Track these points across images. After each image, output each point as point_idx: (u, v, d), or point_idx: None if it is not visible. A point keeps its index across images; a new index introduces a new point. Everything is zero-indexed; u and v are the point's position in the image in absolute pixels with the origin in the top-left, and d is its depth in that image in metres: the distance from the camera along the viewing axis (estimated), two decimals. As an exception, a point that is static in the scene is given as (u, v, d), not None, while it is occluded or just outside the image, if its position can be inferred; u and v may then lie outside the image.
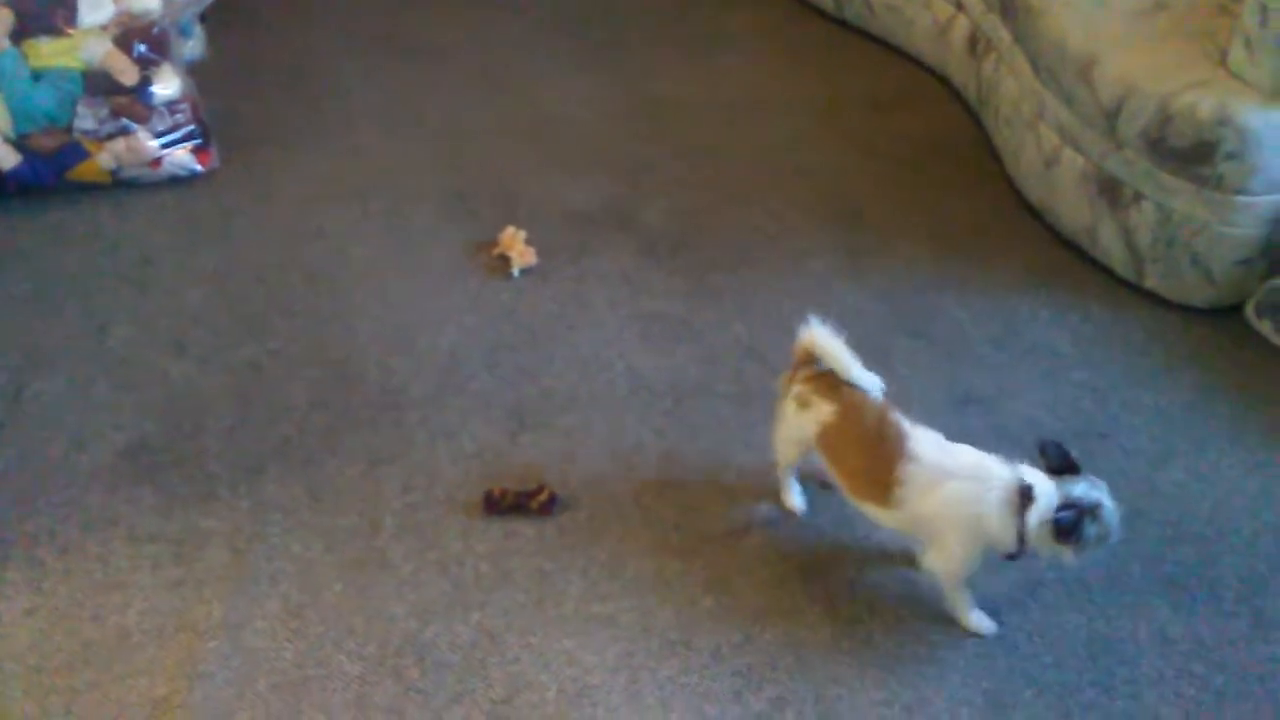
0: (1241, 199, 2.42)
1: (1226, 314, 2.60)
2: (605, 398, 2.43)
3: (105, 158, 2.93)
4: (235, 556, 2.08)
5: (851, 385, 1.99)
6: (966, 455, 1.91)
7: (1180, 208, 2.50)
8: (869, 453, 1.94)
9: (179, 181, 3.04)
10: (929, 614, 1.99)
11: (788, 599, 2.02)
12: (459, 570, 2.05)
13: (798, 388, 2.03)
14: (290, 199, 3.01)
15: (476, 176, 3.10)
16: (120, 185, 3.00)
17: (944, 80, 3.45)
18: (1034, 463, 1.87)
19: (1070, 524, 1.76)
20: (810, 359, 2.03)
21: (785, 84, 3.51)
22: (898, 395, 2.41)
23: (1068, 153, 2.73)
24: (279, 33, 3.76)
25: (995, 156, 3.12)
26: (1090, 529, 1.78)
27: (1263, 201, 2.43)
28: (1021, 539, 1.82)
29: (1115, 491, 2.02)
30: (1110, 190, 2.63)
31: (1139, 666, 1.92)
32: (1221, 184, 2.41)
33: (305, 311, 2.63)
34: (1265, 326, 2.52)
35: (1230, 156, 2.37)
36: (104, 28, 2.86)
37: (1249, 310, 2.56)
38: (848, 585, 2.05)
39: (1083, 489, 1.81)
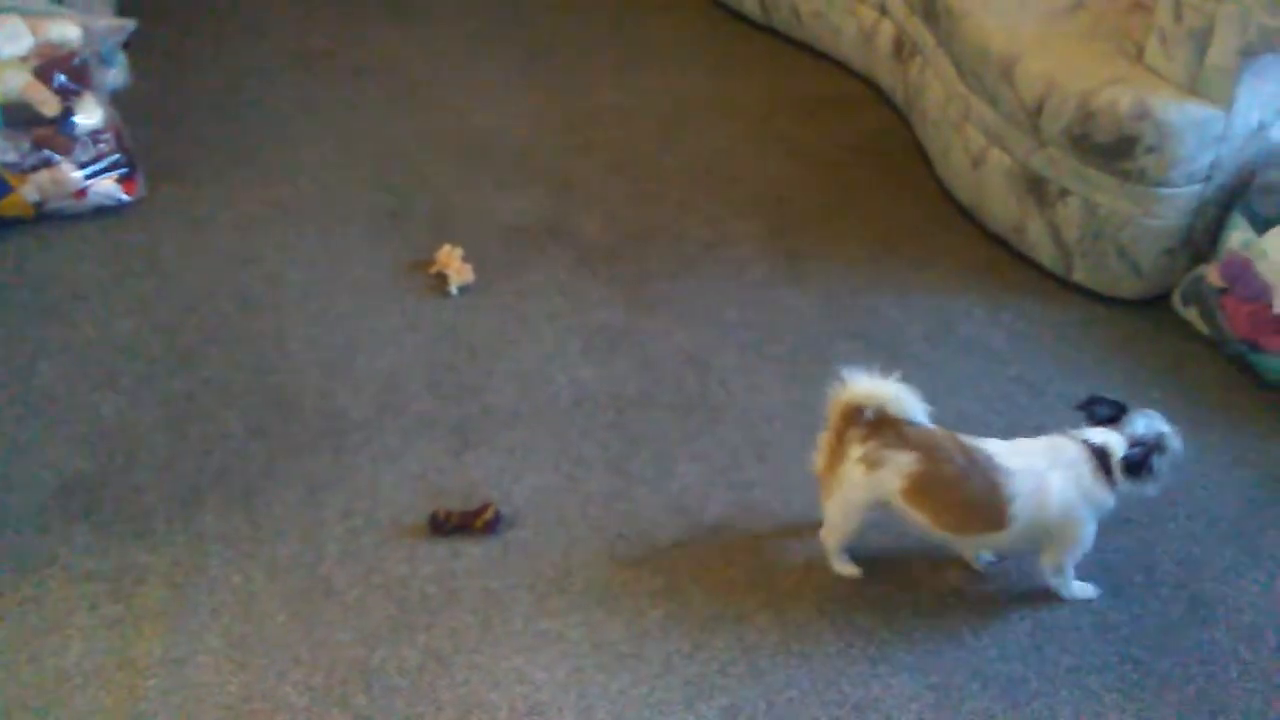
0: (1163, 191, 2.48)
1: (1154, 304, 2.66)
2: (548, 412, 2.42)
3: (28, 190, 2.87)
4: (174, 591, 2.04)
5: (911, 424, 1.91)
6: (1034, 446, 1.95)
7: (1105, 202, 2.55)
8: (969, 486, 1.88)
9: (105, 212, 2.98)
10: (876, 613, 2.01)
11: (736, 605, 2.03)
12: (404, 593, 2.03)
13: (859, 449, 1.91)
14: (221, 224, 2.97)
15: (411, 194, 3.08)
16: (45, 218, 2.94)
17: (872, 85, 3.49)
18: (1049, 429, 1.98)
19: (1140, 459, 1.88)
20: (853, 415, 1.92)
21: (717, 92, 3.54)
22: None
23: (994, 152, 2.77)
24: (205, 56, 3.71)
25: (925, 158, 3.16)
26: (1160, 460, 1.89)
27: (1183, 193, 2.49)
28: (1116, 490, 1.91)
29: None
30: (1036, 187, 2.68)
31: (1082, 654, 1.95)
32: (1143, 177, 2.47)
33: (239, 338, 2.60)
34: (1191, 314, 2.58)
35: (1150, 150, 2.43)
36: (23, 59, 2.81)
37: (1175, 299, 2.62)
38: (794, 588, 2.06)
39: (1143, 425, 1.91)
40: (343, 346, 2.58)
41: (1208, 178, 2.48)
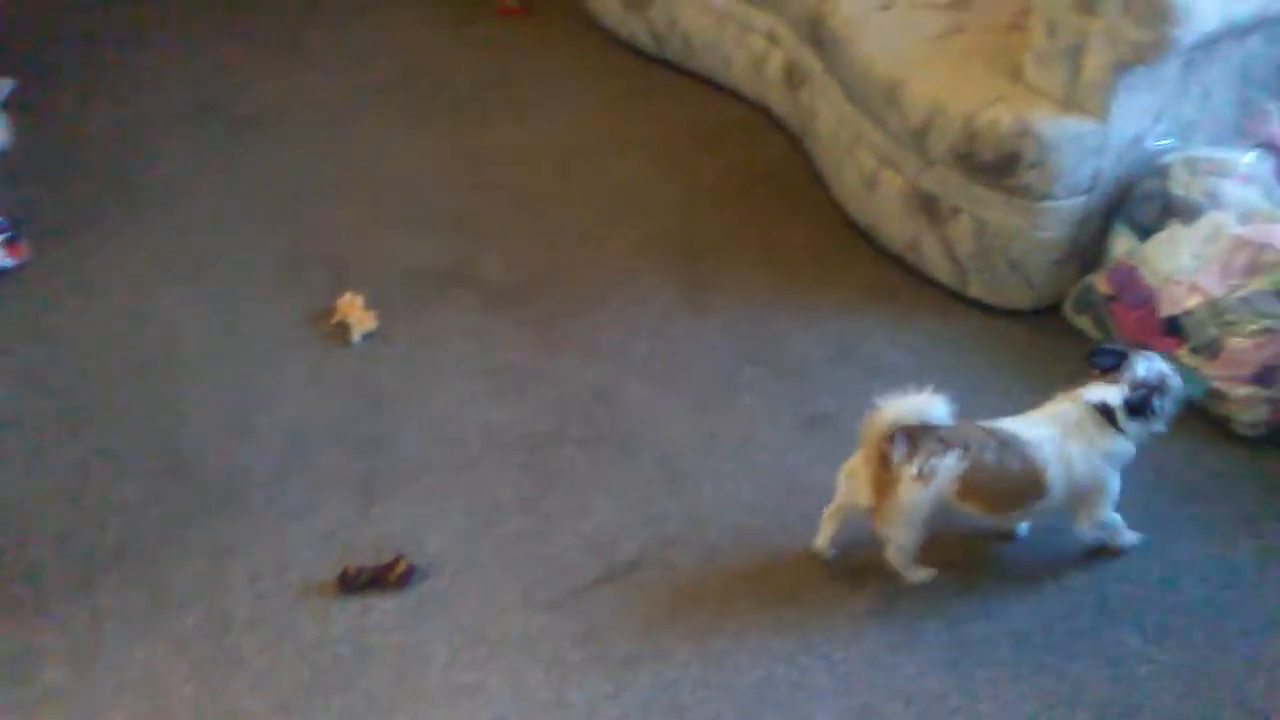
0: (1048, 204, 2.55)
1: (1047, 313, 2.73)
2: (458, 457, 2.39)
3: (-97, 260, 2.76)
4: (75, 671, 1.96)
5: (940, 427, 1.95)
6: (1042, 416, 2.05)
7: (994, 218, 2.61)
8: (1007, 468, 1.98)
9: (-11, 278, 2.89)
10: (794, 638, 2.02)
11: (657, 642, 2.02)
12: (317, 656, 1.98)
13: (910, 468, 1.94)
14: (111, 285, 2.89)
15: (308, 243, 3.03)
16: (-77, 287, 2.83)
17: (766, 112, 3.54)
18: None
19: (1141, 402, 2.00)
20: (890, 435, 1.94)
21: (615, 126, 3.55)
22: (747, 423, 2.47)
23: (886, 173, 2.83)
24: (90, 113, 3.62)
25: (821, 182, 3.21)
26: (1161, 400, 2.02)
27: (1068, 205, 2.56)
28: (1128, 438, 2.02)
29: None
30: (928, 206, 2.73)
31: (998, 666, 1.97)
32: (1029, 192, 2.54)
33: (134, 402, 2.52)
34: (1084, 322, 2.65)
35: (1033, 165, 2.50)
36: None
37: (1067, 308, 2.69)
38: (713, 619, 2.06)
39: (1143, 368, 2.02)
40: (243, 403, 2.52)
41: (1090, 189, 2.56)
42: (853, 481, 2.04)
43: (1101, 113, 2.46)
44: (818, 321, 2.76)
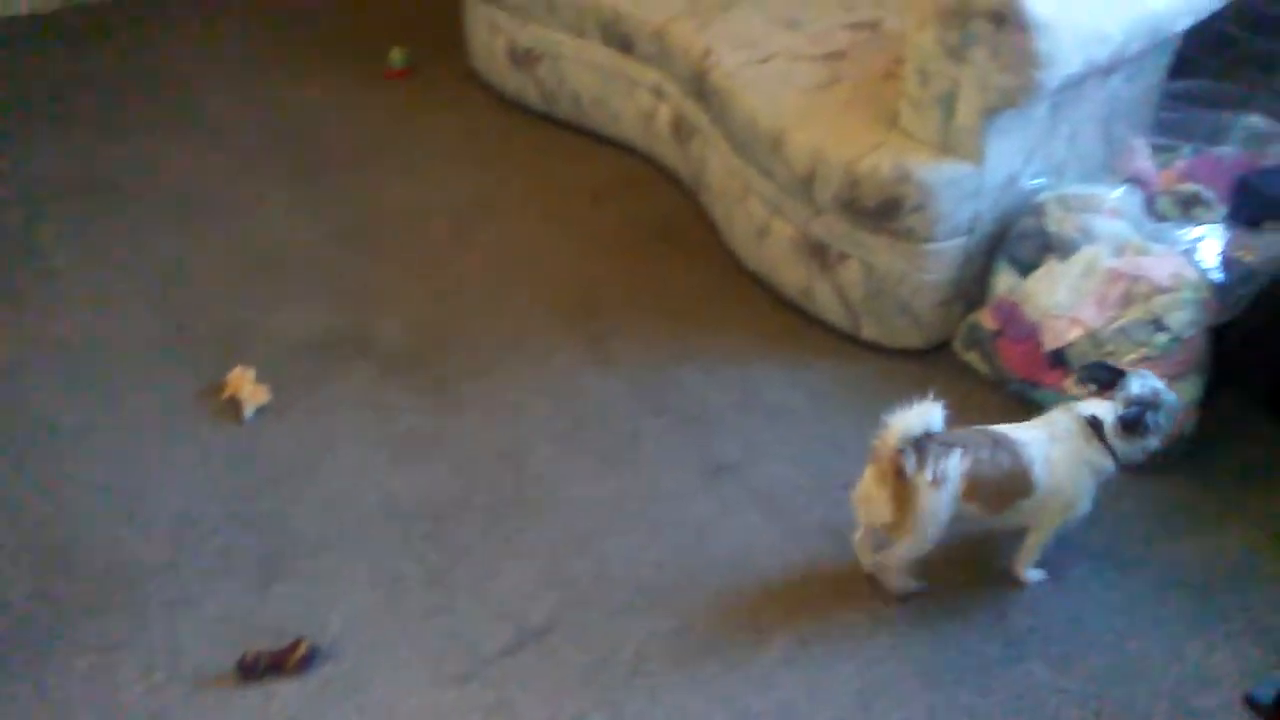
0: (931, 246, 2.62)
1: (938, 351, 2.79)
2: (360, 532, 2.34)
3: None
4: (-47, 787, 1.85)
5: (938, 433, 2.02)
6: (1034, 423, 2.15)
7: (881, 262, 2.67)
8: (999, 464, 2.06)
9: None
10: (705, 694, 2.00)
11: (570, 708, 1.98)
12: (216, 750, 1.90)
13: (925, 475, 1.99)
14: (-14, 372, 2.77)
15: (194, 317, 2.95)
16: None
17: (657, 165, 3.58)
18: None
19: (1135, 419, 2.07)
20: (900, 449, 2.00)
21: (507, 185, 3.55)
22: (653, 477, 2.46)
23: (776, 222, 2.88)
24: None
25: (715, 231, 3.25)
26: (1154, 417, 2.08)
27: (950, 246, 2.63)
28: (1114, 455, 2.10)
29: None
30: (818, 253, 2.78)
31: (911, 706, 1.99)
32: (912, 235, 2.60)
33: (10, 497, 2.40)
34: (972, 358, 2.72)
35: (915, 209, 2.56)
36: None
37: (957, 345, 2.76)
38: (625, 679, 2.03)
39: (1137, 386, 2.10)
40: (129, 489, 2.43)
41: (970, 230, 2.63)
42: (869, 504, 2.09)
43: (976, 156, 2.54)
44: (718, 369, 2.78)
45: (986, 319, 2.65)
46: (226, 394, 2.65)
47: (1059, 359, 2.50)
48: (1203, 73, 3.18)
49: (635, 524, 2.36)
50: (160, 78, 4.14)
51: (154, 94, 4.03)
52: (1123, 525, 2.33)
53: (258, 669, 2.00)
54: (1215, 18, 2.83)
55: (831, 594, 2.19)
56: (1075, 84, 2.58)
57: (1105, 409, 2.10)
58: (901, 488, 2.01)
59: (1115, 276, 2.47)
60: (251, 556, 2.27)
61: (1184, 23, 2.69)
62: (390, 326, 2.94)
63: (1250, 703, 1.23)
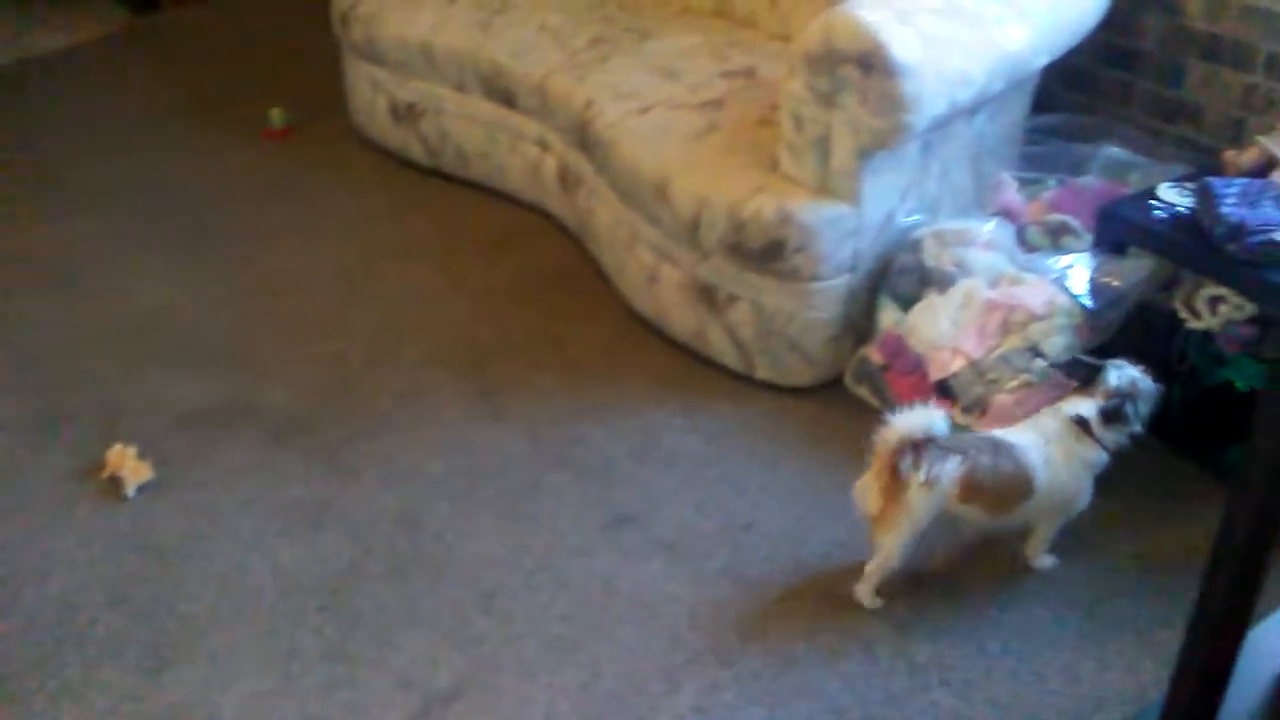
0: (816, 285, 2.67)
1: (830, 387, 2.83)
2: (252, 608, 2.26)
3: None
4: None
5: (940, 437, 2.10)
6: (1024, 427, 2.24)
7: (769, 302, 2.71)
8: (1000, 468, 2.14)
9: None
10: (621, 750, 1.98)
11: (479, 776, 1.94)
12: None
13: (918, 475, 2.08)
14: None
15: (69, 394, 2.84)
16: None
17: (546, 215, 3.59)
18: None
19: (1116, 410, 2.18)
20: (899, 449, 2.09)
21: (394, 242, 3.52)
22: (554, 530, 2.44)
23: (665, 267, 2.90)
24: None
25: (605, 279, 3.26)
26: (1133, 406, 2.19)
27: (834, 284, 2.68)
28: (1104, 447, 2.20)
29: (768, 577, 2.14)
30: (708, 296, 2.81)
31: (821, 745, 1.99)
32: (797, 275, 2.65)
33: (-125, 593, 2.27)
34: (864, 391, 2.77)
35: (798, 250, 2.61)
36: None
37: (847, 380, 2.80)
38: (537, 743, 2.00)
39: (1115, 377, 2.20)
40: (7, 579, 2.31)
41: (853, 268, 2.69)
42: (863, 494, 2.18)
43: (853, 197, 2.61)
44: (616, 418, 2.78)
45: (874, 353, 2.71)
46: (107, 473, 2.55)
47: (945, 389, 2.57)
48: (1064, 107, 3.33)
49: (539, 579, 2.33)
50: (23, 147, 4.01)
51: (16, 165, 3.90)
52: (1007, 546, 2.38)
53: (147, 761, 1.91)
54: (1072, 54, 2.96)
55: (737, 638, 2.19)
56: (943, 124, 2.67)
57: (1088, 406, 2.21)
58: (893, 485, 2.12)
59: (992, 307, 2.54)
60: (139, 642, 2.18)
61: (1042, 61, 2.81)
62: (277, 392, 2.87)
63: None
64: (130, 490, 2.51)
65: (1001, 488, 2.17)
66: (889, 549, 2.19)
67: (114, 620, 2.22)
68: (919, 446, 2.09)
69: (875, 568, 2.22)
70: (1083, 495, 2.26)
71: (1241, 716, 1.20)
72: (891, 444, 2.10)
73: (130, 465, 2.54)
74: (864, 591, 2.24)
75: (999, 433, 2.24)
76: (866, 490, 2.18)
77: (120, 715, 2.02)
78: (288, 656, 2.15)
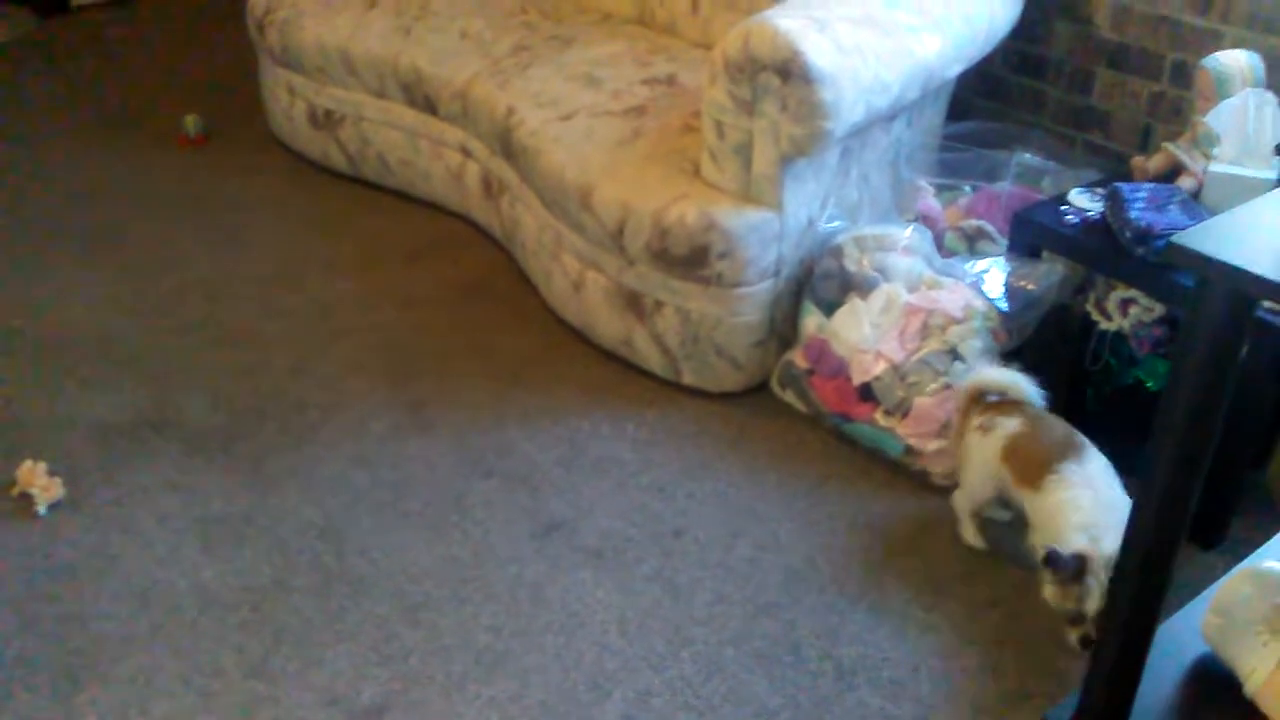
0: (740, 291, 2.69)
1: (757, 392, 2.86)
2: (171, 627, 2.20)
3: None
4: None
5: (1030, 406, 2.28)
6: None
7: (695, 307, 2.73)
8: (1052, 433, 2.25)
9: None
10: (552, 760, 1.97)
11: (407, 791, 1.91)
12: None
13: (977, 420, 2.30)
14: None
15: (-24, 411, 2.74)
16: None
17: (470, 223, 3.56)
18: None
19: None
20: (978, 398, 2.32)
21: (315, 250, 3.46)
22: (482, 541, 2.42)
23: (590, 274, 2.90)
24: None
25: (531, 287, 3.25)
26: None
27: (758, 290, 2.71)
28: None
29: (697, 582, 2.15)
30: (634, 303, 2.82)
31: (751, 748, 2.00)
32: (721, 280, 2.67)
33: None
34: (789, 396, 2.80)
35: (722, 256, 2.63)
36: None
37: (773, 384, 2.83)
38: (466, 756, 1.98)
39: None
40: (-94, 604, 2.22)
41: (776, 273, 2.72)
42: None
43: (775, 202, 2.63)
44: (543, 426, 2.77)
45: (799, 358, 2.74)
46: (16, 490, 2.46)
47: (867, 393, 2.60)
48: (978, 114, 3.41)
49: (466, 591, 2.31)
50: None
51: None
52: (932, 548, 2.43)
53: (60, 789, 1.85)
54: (985, 62, 3.03)
55: (665, 645, 2.20)
56: (861, 131, 2.72)
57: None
58: (963, 423, 2.36)
59: (912, 311, 2.59)
60: (52, 665, 2.10)
61: (956, 69, 2.88)
62: (195, 403, 2.80)
63: None
64: (41, 508, 2.43)
65: (1039, 451, 2.23)
66: (963, 483, 2.36)
67: (25, 643, 2.15)
68: (1004, 404, 2.28)
69: (957, 505, 2.40)
70: None
71: (1156, 707, 1.23)
72: (967, 388, 2.34)
73: (41, 482, 2.45)
74: (966, 532, 2.40)
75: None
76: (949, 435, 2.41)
77: (31, 742, 1.96)
78: (209, 674, 2.10)
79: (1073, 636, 2.05)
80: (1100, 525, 2.06)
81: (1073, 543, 2.06)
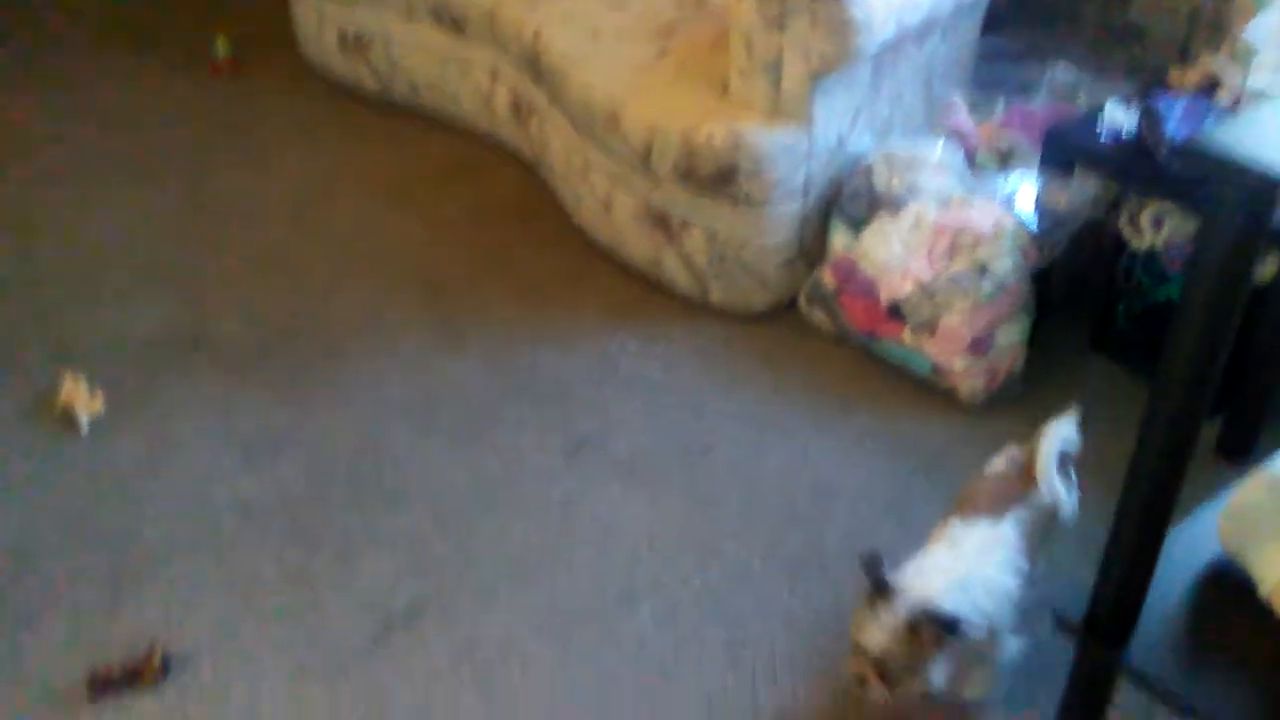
0: (769, 210, 2.68)
1: (785, 312, 2.86)
2: (213, 536, 2.27)
3: None
4: None
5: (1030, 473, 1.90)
6: None
7: (723, 228, 2.73)
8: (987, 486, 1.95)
9: None
10: (582, 669, 2.02)
11: (442, 692, 1.98)
12: (72, 772, 1.83)
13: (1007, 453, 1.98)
14: None
15: (18, 325, 2.80)
16: None
17: (499, 145, 3.56)
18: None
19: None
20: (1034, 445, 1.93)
21: (347, 172, 3.48)
22: (513, 456, 2.46)
23: (619, 195, 2.90)
24: None
25: (560, 209, 3.25)
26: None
27: (787, 209, 2.70)
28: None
29: (725, 497, 2.18)
30: (662, 223, 2.82)
31: (774, 656, 2.05)
32: (750, 200, 2.66)
33: None
34: (817, 316, 2.80)
35: (750, 175, 2.62)
36: None
37: (801, 304, 2.83)
38: (498, 660, 2.04)
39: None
40: (-39, 513, 2.30)
41: (805, 192, 2.71)
42: None
43: (805, 120, 2.61)
44: (572, 345, 2.79)
45: (827, 277, 2.74)
46: (59, 406, 2.53)
47: (896, 311, 2.60)
48: (1013, 29, 3.34)
49: (498, 504, 2.36)
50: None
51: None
52: (963, 464, 2.44)
53: (111, 684, 1.93)
54: (1021, -24, 2.97)
55: (694, 558, 2.24)
56: (893, 47, 2.68)
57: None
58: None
59: (942, 229, 2.57)
60: (99, 571, 2.18)
61: (991, -17, 2.82)
62: (231, 321, 2.85)
63: (1060, 622, 1.29)
64: (84, 423, 2.50)
65: (962, 497, 1.98)
66: None
67: (71, 552, 2.23)
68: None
69: None
70: None
71: (1168, 609, 1.26)
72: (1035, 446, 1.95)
73: (82, 398, 2.52)
74: None
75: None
76: None
77: (81, 642, 2.04)
78: (250, 581, 2.17)
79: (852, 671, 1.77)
80: (928, 580, 1.76)
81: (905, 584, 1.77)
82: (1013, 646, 1.88)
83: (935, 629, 1.67)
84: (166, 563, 2.20)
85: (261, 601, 2.13)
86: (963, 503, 1.93)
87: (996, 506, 1.87)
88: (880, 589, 1.72)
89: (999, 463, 2.00)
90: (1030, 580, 1.86)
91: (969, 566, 1.78)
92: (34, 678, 1.97)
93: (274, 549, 2.24)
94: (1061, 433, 1.94)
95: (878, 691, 1.71)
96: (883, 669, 1.69)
